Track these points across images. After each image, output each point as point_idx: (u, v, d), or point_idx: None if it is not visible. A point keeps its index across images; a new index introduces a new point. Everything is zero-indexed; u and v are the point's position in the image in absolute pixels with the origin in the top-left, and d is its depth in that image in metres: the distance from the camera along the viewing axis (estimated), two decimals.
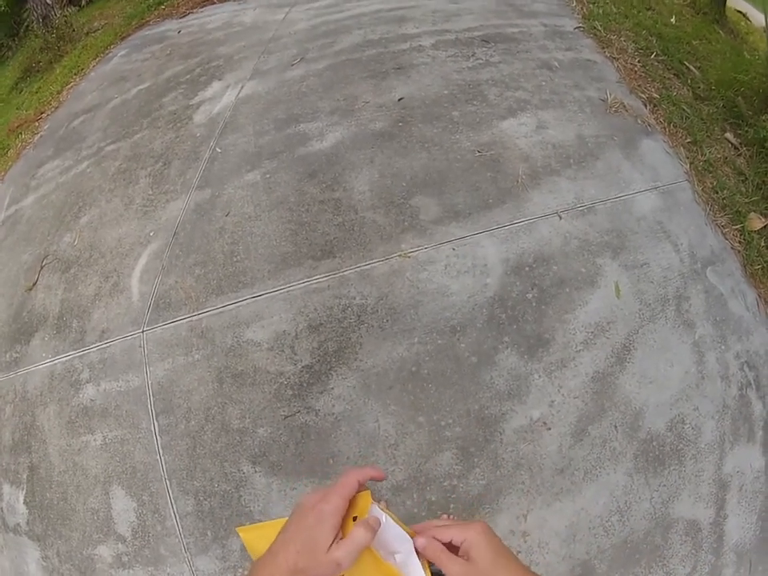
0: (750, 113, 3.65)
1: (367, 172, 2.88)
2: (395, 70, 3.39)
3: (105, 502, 2.53)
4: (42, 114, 5.06)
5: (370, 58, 3.52)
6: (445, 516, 2.22)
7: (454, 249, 2.61)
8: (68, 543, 2.57)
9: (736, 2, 6.79)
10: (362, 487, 0.74)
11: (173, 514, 2.39)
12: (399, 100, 3.19)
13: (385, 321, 2.48)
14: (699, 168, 3.15)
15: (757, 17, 6.58)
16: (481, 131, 3.02)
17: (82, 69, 5.29)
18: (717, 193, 3.08)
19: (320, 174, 2.93)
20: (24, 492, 2.75)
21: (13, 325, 3.20)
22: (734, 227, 3.00)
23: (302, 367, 2.46)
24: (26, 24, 8.00)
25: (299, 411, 2.41)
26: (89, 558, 2.51)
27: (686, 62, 3.96)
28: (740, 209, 3.09)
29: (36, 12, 6.65)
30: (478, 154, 2.91)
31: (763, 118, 3.51)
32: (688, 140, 3.27)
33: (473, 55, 3.49)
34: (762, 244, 3.02)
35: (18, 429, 2.87)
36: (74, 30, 6.56)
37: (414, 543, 0.72)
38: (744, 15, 6.83)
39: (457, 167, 2.86)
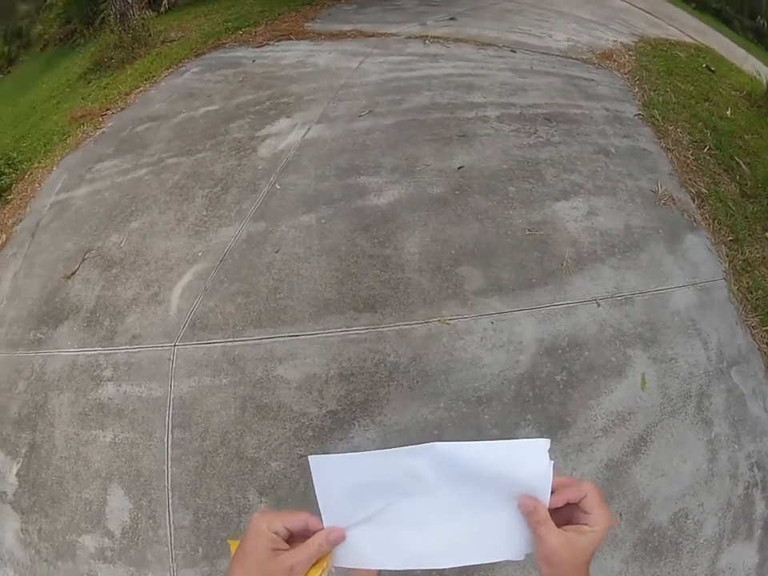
0: None
1: (419, 234, 2.97)
2: (459, 137, 3.50)
3: (101, 496, 2.57)
4: (107, 110, 5.20)
5: (436, 121, 3.63)
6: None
7: (492, 322, 2.67)
8: (53, 524, 2.61)
9: None
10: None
11: (168, 524, 2.43)
12: (459, 168, 3.29)
13: (415, 381, 2.53)
14: (737, 267, 3.19)
15: None
16: (534, 210, 3.10)
17: (154, 76, 5.46)
18: (751, 293, 3.10)
19: (373, 228, 3.02)
20: (19, 465, 2.80)
21: (44, 306, 3.29)
22: (763, 328, 3.01)
23: (327, 412, 2.51)
24: (102, 16, 8.23)
25: (316, 453, 2.44)
26: (71, 544, 2.55)
27: (736, 158, 4.02)
28: None
29: (114, 7, 6.79)
30: (528, 232, 2.98)
31: None
32: (730, 238, 3.31)
33: (535, 132, 3.59)
34: None
35: (27, 405, 2.94)
36: (149, 35, 6.73)
37: (520, 503, 0.66)
38: None
39: (506, 242, 2.94)
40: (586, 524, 0.65)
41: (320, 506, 0.68)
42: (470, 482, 0.67)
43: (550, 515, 0.65)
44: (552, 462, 0.65)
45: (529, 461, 0.66)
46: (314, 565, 0.65)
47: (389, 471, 0.67)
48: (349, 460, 0.68)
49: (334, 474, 0.68)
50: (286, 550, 0.64)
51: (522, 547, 0.67)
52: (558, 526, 0.64)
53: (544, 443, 0.66)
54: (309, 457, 0.67)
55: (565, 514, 0.67)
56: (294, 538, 0.67)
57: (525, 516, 0.65)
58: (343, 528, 0.68)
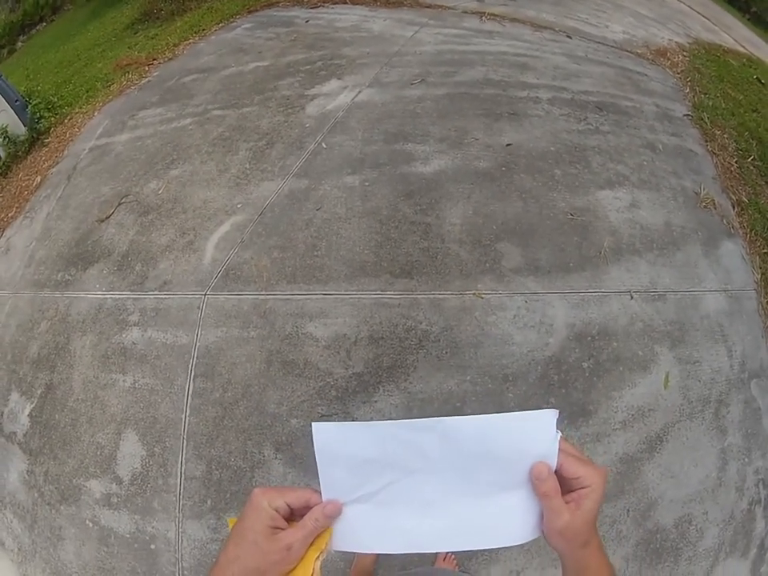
0: None
1: (462, 206, 2.95)
2: (509, 114, 3.46)
3: (114, 441, 2.60)
4: (154, 60, 5.20)
5: (488, 97, 3.59)
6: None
7: (526, 301, 2.66)
8: (60, 467, 2.64)
9: None
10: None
11: (179, 473, 2.46)
12: (507, 145, 3.25)
13: (444, 352, 2.53)
14: None
15: None
16: (577, 195, 3.07)
17: (204, 30, 5.43)
18: None
19: (417, 195, 3.00)
20: (32, 406, 2.83)
21: (74, 248, 3.32)
22: None
23: (353, 373, 2.52)
24: None
25: (337, 413, 2.47)
26: (76, 488, 2.58)
27: None
28: None
29: None
30: (570, 216, 2.95)
31: None
32: (765, 250, 3.28)
33: (585, 119, 3.54)
34: None
35: (48, 346, 2.97)
36: None
37: (533, 470, 0.64)
38: None
39: (547, 224, 2.92)
40: (582, 487, 0.64)
41: (320, 477, 0.67)
42: (477, 460, 0.65)
43: None
44: (559, 433, 0.64)
45: (536, 432, 0.64)
46: (312, 545, 0.65)
47: (394, 445, 0.65)
48: (353, 430, 0.66)
49: (337, 444, 0.66)
50: (284, 528, 0.64)
51: (530, 531, 0.67)
52: None
53: (552, 414, 0.64)
54: (312, 423, 0.66)
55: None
56: (293, 516, 0.66)
57: (535, 484, 0.64)
58: (341, 503, 0.67)
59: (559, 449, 0.64)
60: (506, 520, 0.67)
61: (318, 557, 0.64)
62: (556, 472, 0.64)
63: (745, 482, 2.58)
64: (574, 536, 0.64)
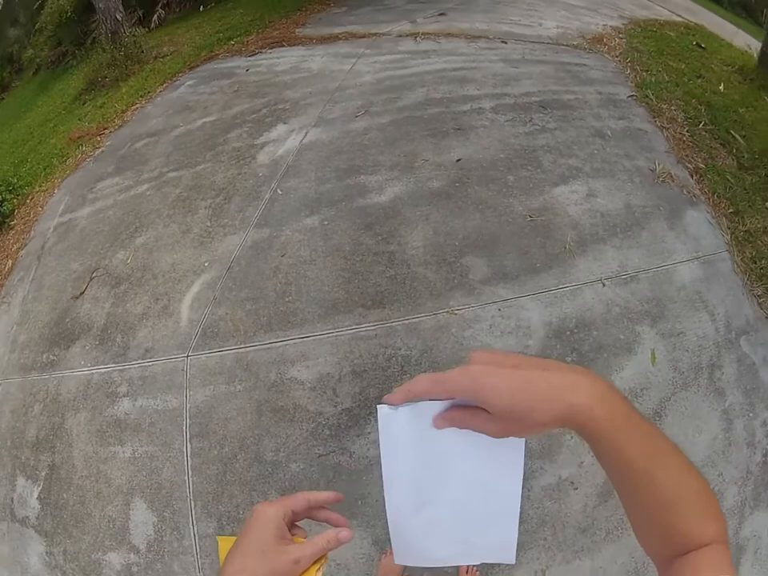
0: None
1: (422, 229, 3.00)
2: (455, 130, 3.53)
3: (124, 512, 2.60)
4: (104, 129, 5.26)
5: (432, 116, 3.66)
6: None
7: (499, 309, 2.70)
8: (77, 544, 2.63)
9: None
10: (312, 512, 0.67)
11: (192, 534, 2.46)
12: (457, 161, 3.32)
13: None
14: (739, 238, 3.20)
15: None
16: (533, 196, 3.13)
17: (149, 92, 5.51)
18: (755, 263, 3.12)
19: (376, 226, 3.05)
20: (39, 488, 2.82)
21: (54, 328, 3.33)
22: None
23: (342, 410, 2.54)
24: (93, 35, 8.30)
25: (334, 451, 2.48)
26: (96, 562, 2.57)
27: (732, 131, 4.03)
28: None
29: (105, 26, 6.84)
30: (530, 219, 3.01)
31: None
32: (730, 210, 3.33)
33: (530, 120, 3.62)
34: None
35: (45, 428, 2.97)
36: (142, 52, 6.79)
37: (434, 424, 0.60)
38: None
39: (508, 230, 2.97)
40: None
41: (383, 462, 0.63)
42: (459, 472, 0.63)
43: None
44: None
45: (500, 460, 0.62)
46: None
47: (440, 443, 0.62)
48: (418, 408, 0.61)
49: (401, 426, 0.62)
50: (289, 540, 0.63)
51: (509, 551, 0.66)
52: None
53: (518, 442, 0.61)
54: (378, 406, 0.61)
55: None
56: (291, 524, 0.66)
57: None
58: (352, 533, 0.64)
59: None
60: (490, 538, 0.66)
61: (320, 569, 0.65)
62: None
63: (755, 437, 2.60)
64: (519, 427, 0.57)
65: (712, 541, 0.60)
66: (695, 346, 2.71)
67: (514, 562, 0.66)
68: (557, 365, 0.59)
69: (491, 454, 0.61)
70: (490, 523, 0.65)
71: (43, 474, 2.84)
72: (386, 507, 0.65)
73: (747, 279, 3.03)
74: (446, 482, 0.64)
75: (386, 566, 2.28)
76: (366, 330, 2.69)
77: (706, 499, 0.63)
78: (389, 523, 0.66)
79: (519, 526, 0.66)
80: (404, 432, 0.62)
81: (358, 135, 3.63)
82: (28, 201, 4.82)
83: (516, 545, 0.66)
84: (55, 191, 4.66)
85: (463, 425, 0.59)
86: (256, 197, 3.43)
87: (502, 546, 0.67)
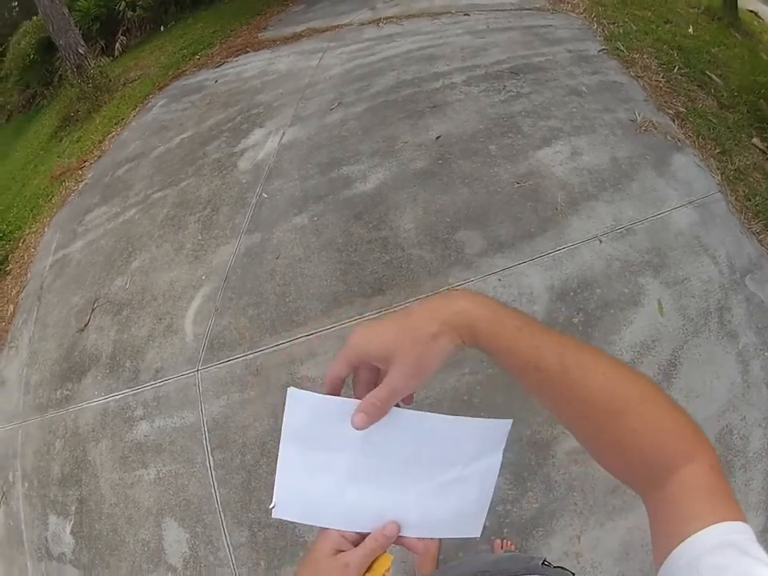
0: None
1: (411, 210, 2.99)
2: (431, 108, 3.51)
3: (156, 533, 2.60)
4: (84, 162, 5.25)
5: (406, 98, 3.65)
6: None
7: (500, 279, 2.69)
8: (115, 572, 2.63)
9: (747, 1, 6.70)
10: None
11: (226, 545, 2.45)
12: (437, 138, 3.30)
13: None
14: (730, 177, 3.18)
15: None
16: (518, 162, 3.11)
17: (123, 119, 5.50)
18: (749, 200, 3.09)
19: (365, 214, 3.04)
20: (71, 523, 2.82)
21: (63, 364, 3.33)
22: None
23: None
24: (59, 73, 8.26)
25: None
26: None
27: (707, 72, 4.01)
28: None
29: (69, 61, 6.84)
30: (517, 185, 2.99)
31: None
32: (717, 150, 3.31)
33: (504, 88, 3.59)
34: None
35: (68, 463, 2.97)
36: (110, 80, 6.78)
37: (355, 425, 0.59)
38: (756, 14, 6.67)
39: (498, 200, 2.95)
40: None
41: (282, 441, 0.64)
42: (426, 453, 0.64)
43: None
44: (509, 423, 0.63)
45: (484, 440, 0.64)
46: (377, 561, 0.64)
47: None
48: (326, 402, 0.62)
49: (309, 414, 0.63)
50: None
51: (475, 526, 0.68)
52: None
53: (505, 424, 0.63)
54: (288, 388, 0.61)
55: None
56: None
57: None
58: (398, 526, 0.66)
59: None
60: (451, 514, 0.67)
61: (388, 569, 0.64)
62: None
63: None
64: (417, 352, 0.55)
65: (687, 461, 0.54)
66: (701, 291, 2.69)
67: (478, 536, 0.67)
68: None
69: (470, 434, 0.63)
70: (456, 501, 0.67)
71: (73, 508, 2.84)
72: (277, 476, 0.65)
73: (744, 218, 3.00)
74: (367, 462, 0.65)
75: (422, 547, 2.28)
76: (369, 319, 2.68)
77: (660, 408, 0.57)
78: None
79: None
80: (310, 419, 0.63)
81: (335, 127, 3.62)
82: (20, 244, 4.81)
83: (484, 521, 0.67)
84: (45, 230, 4.65)
85: (382, 407, 0.58)
86: (243, 204, 3.42)
87: (468, 522, 0.68)
